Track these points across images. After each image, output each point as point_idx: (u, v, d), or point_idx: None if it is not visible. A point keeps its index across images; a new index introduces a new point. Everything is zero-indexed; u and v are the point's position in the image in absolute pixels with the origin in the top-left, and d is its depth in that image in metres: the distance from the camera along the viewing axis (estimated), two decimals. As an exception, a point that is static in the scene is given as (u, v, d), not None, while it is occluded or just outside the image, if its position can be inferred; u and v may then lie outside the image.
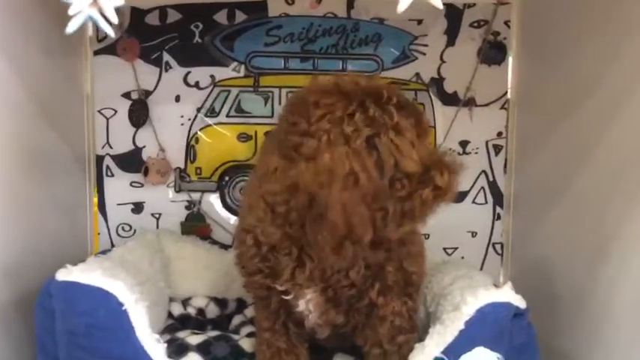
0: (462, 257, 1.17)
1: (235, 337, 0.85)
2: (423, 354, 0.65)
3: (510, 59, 1.14)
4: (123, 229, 1.13)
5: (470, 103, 1.15)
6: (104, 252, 0.88)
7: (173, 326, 0.90)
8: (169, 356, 0.65)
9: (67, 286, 0.62)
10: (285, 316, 0.77)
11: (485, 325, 0.65)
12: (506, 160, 1.16)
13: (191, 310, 0.97)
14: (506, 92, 1.15)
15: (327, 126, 0.62)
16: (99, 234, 1.12)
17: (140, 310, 0.63)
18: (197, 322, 0.95)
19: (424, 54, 1.14)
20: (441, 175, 0.65)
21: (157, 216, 1.13)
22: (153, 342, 0.63)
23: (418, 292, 0.79)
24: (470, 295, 0.66)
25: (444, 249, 1.16)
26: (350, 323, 0.75)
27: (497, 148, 1.16)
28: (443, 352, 0.64)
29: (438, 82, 1.15)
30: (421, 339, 0.70)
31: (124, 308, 0.61)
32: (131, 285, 0.68)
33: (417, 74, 1.15)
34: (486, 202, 1.17)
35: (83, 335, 0.60)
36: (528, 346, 0.71)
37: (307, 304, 0.72)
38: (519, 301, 0.68)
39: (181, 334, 0.83)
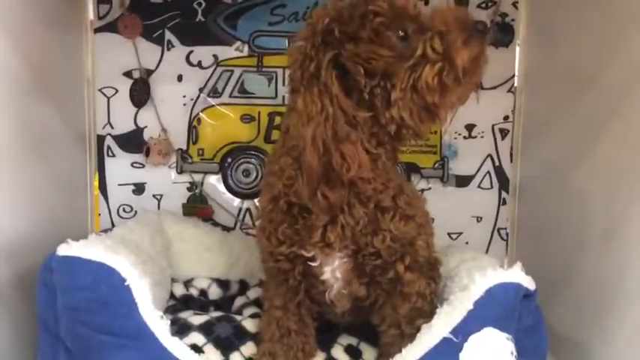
0: (467, 242, 1.16)
1: (238, 317, 0.84)
2: (431, 334, 0.64)
3: (518, 42, 1.13)
4: (124, 210, 1.11)
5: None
6: (105, 231, 0.86)
7: (175, 307, 0.89)
8: (172, 335, 0.64)
9: (68, 260, 0.60)
10: (304, 291, 0.75)
11: (495, 306, 0.64)
12: (512, 144, 1.15)
13: (193, 291, 0.96)
14: (514, 75, 1.14)
15: (297, 72, 0.64)
16: (99, 215, 1.11)
17: (143, 287, 0.61)
18: (199, 303, 0.94)
19: (430, 35, 1.12)
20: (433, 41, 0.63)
21: (159, 197, 1.12)
22: (156, 318, 0.61)
23: (440, 276, 0.78)
24: (479, 275, 0.65)
25: (449, 234, 1.15)
26: (370, 297, 0.74)
27: (504, 132, 1.15)
28: (451, 333, 0.63)
29: (444, 64, 1.13)
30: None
31: (126, 284, 0.60)
32: (133, 263, 0.66)
33: (424, 56, 1.13)
34: (492, 187, 1.16)
35: (84, 310, 0.59)
36: (536, 328, 0.70)
37: (333, 272, 0.71)
38: (529, 282, 0.67)
39: (184, 315, 0.82)
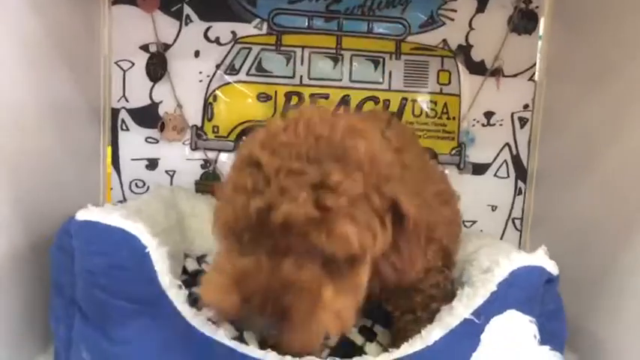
0: (480, 231, 1.14)
1: (251, 295, 0.82)
2: (452, 316, 0.62)
3: (541, 29, 1.11)
4: (136, 185, 1.10)
5: (497, 73, 1.12)
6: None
7: (187, 282, 0.88)
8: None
9: (87, 225, 0.59)
10: None
11: (518, 288, 0.62)
12: (531, 133, 1.13)
13: (205, 267, 0.95)
14: (535, 63, 1.12)
15: None
16: (111, 189, 1.09)
17: (162, 255, 0.61)
18: (211, 279, 0.93)
19: (452, 19, 1.11)
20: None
21: (172, 173, 1.11)
22: (175, 287, 0.60)
23: (455, 263, 0.76)
24: (503, 258, 0.64)
25: (463, 222, 1.13)
26: (383, 293, 0.71)
27: (523, 121, 1.13)
28: (472, 314, 0.62)
29: (465, 49, 1.12)
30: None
31: (146, 251, 0.59)
32: (150, 233, 0.65)
33: (444, 40, 1.11)
34: (508, 176, 1.15)
35: (103, 275, 0.58)
36: (557, 313, 0.69)
37: None
38: (552, 267, 0.66)
39: (197, 290, 0.81)
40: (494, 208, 1.15)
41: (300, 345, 0.50)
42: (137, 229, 0.60)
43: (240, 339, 0.71)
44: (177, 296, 0.60)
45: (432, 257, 0.69)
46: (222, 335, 0.60)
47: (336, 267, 0.50)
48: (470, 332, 0.61)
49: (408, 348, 0.61)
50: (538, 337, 0.60)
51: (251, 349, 0.60)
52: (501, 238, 1.15)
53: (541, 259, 0.65)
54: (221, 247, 0.55)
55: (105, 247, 0.58)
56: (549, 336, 0.64)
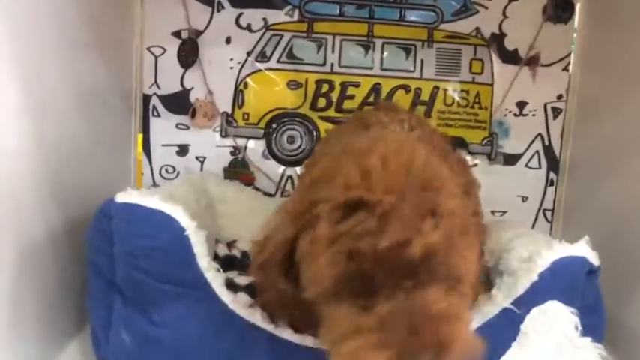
0: (510, 222, 1.13)
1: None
2: (491, 304, 0.62)
3: (577, 18, 1.09)
4: (167, 170, 1.11)
5: (531, 62, 1.10)
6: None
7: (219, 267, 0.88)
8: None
9: (127, 207, 0.60)
10: None
11: (560, 278, 0.62)
12: (564, 124, 1.12)
13: (236, 253, 0.95)
14: (570, 53, 1.10)
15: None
16: (142, 174, 1.10)
17: (201, 238, 0.61)
18: (242, 264, 0.93)
19: (486, 8, 1.09)
20: None
21: (202, 160, 1.11)
22: (213, 270, 0.61)
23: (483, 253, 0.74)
24: (544, 248, 0.63)
25: (492, 212, 1.13)
26: None
27: (556, 112, 1.11)
28: (512, 303, 0.61)
29: (498, 38, 1.10)
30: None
31: (186, 233, 0.59)
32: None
33: (477, 29, 1.10)
34: (540, 167, 1.13)
35: (143, 257, 0.58)
36: (597, 306, 0.68)
37: None
38: (594, 258, 0.65)
39: (230, 275, 0.81)
40: (524, 199, 1.14)
41: None
42: (176, 211, 0.60)
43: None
44: (215, 279, 0.60)
45: None
46: (260, 319, 0.60)
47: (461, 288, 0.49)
48: (510, 321, 0.60)
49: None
50: (580, 328, 0.59)
51: (289, 333, 0.60)
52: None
53: (583, 249, 0.64)
54: (329, 311, 0.50)
55: (145, 229, 0.59)
56: (589, 329, 0.63)
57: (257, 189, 1.12)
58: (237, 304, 0.60)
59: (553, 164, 1.13)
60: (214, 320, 0.59)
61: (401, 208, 0.46)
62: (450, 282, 0.48)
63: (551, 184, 1.13)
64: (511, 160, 1.13)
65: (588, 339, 0.60)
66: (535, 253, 0.63)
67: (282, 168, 1.12)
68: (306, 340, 0.60)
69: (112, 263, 0.62)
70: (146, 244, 0.58)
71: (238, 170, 1.12)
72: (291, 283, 0.53)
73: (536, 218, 1.14)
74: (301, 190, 0.59)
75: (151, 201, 0.60)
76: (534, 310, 0.60)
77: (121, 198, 0.61)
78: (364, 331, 0.46)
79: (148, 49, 1.08)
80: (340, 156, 0.53)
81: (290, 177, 1.13)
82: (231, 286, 0.77)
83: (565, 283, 0.62)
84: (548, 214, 1.14)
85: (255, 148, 1.12)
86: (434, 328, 0.45)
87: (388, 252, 0.45)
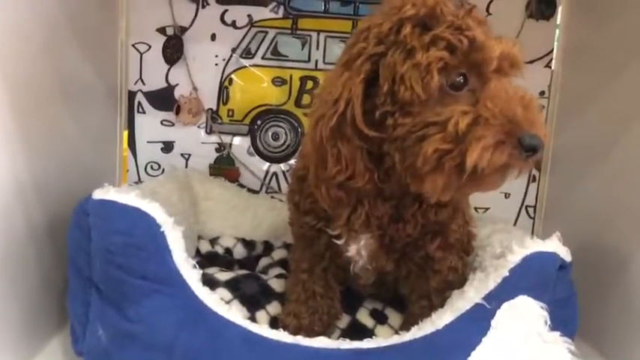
0: (493, 218, 1.14)
1: (264, 276, 0.83)
2: (463, 300, 0.63)
3: (559, 15, 1.10)
4: (152, 167, 1.11)
5: (514, 59, 1.10)
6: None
7: (200, 263, 0.89)
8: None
9: (104, 204, 0.60)
10: (330, 259, 0.74)
11: (531, 274, 0.62)
12: (546, 120, 1.12)
13: (219, 249, 0.96)
14: (552, 50, 1.11)
15: (348, 44, 0.59)
16: (127, 171, 1.11)
17: (177, 235, 0.61)
18: (225, 260, 0.94)
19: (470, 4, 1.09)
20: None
21: (187, 156, 1.12)
22: (189, 267, 0.61)
23: (473, 249, 0.76)
24: (516, 244, 0.64)
25: (475, 208, 1.13)
26: (399, 271, 0.72)
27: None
28: (484, 299, 0.62)
29: (482, 35, 1.10)
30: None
31: (161, 230, 0.60)
32: (166, 213, 0.66)
33: (461, 26, 1.10)
34: (522, 163, 1.13)
35: (119, 254, 0.59)
36: (569, 301, 0.69)
37: (359, 249, 0.69)
38: (565, 254, 0.66)
39: (210, 271, 0.82)
40: (507, 195, 1.15)
41: None
42: (153, 208, 0.61)
43: (252, 319, 0.72)
44: (191, 275, 0.61)
45: (457, 228, 0.70)
46: (235, 315, 0.61)
47: None
48: (480, 317, 0.61)
49: (418, 331, 0.62)
50: (549, 323, 0.60)
51: (264, 329, 0.61)
52: (514, 225, 1.15)
53: (555, 245, 0.65)
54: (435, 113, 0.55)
55: (121, 226, 0.59)
56: (560, 323, 0.64)
57: (242, 185, 1.13)
58: (213, 300, 0.61)
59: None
60: (189, 316, 0.60)
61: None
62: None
63: (534, 180, 1.14)
64: (494, 156, 1.13)
65: (557, 333, 0.60)
66: (507, 249, 0.64)
67: (267, 164, 1.13)
68: (281, 336, 0.60)
69: (89, 259, 0.62)
70: (122, 241, 0.59)
71: (224, 167, 1.13)
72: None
73: (518, 214, 1.15)
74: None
75: (128, 197, 0.61)
76: (505, 305, 0.61)
77: (98, 194, 0.62)
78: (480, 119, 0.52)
79: (133, 45, 1.08)
80: None
81: (275, 173, 1.13)
82: (210, 282, 0.78)
83: (536, 278, 0.63)
84: (531, 210, 1.15)
85: (240, 144, 1.12)
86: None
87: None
